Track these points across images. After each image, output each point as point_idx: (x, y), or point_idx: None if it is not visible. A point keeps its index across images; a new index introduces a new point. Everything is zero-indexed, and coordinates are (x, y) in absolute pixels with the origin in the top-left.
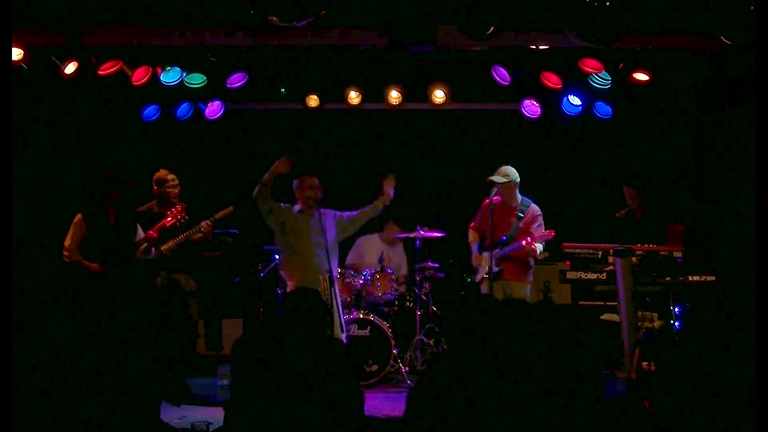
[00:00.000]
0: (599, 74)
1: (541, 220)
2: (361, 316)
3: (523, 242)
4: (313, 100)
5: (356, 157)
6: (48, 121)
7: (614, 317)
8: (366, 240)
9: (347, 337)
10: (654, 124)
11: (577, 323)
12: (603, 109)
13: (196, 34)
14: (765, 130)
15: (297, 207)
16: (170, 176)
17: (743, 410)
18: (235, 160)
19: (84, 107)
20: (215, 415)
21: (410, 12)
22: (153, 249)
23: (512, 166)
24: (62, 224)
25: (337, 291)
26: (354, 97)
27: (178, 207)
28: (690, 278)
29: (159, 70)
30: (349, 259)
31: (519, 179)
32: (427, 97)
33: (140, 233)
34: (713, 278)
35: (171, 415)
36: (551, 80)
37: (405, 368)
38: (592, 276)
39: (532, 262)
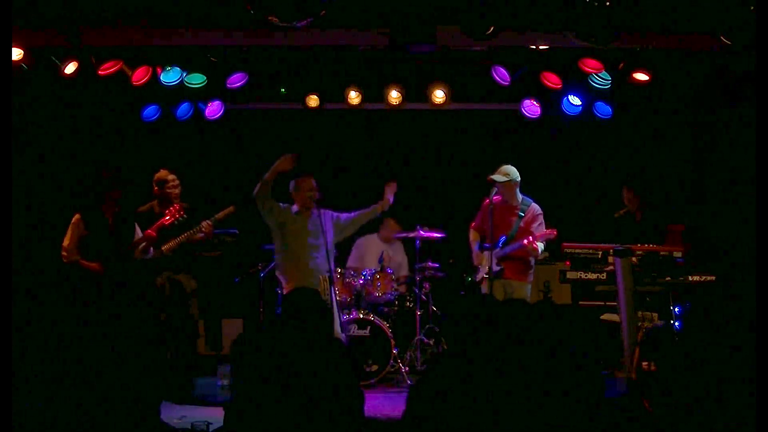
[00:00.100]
0: (599, 74)
1: (541, 219)
2: (361, 316)
3: (525, 241)
4: (313, 100)
5: (356, 157)
6: (48, 121)
7: (614, 317)
8: (365, 241)
9: (347, 337)
10: (654, 124)
11: (577, 323)
12: (603, 109)
13: (196, 34)
14: (765, 130)
15: (294, 208)
16: (171, 176)
17: (743, 410)
18: (235, 160)
19: (84, 107)
20: (215, 415)
21: (410, 12)
22: (151, 248)
23: (512, 165)
24: (62, 224)
25: (334, 292)
26: (354, 97)
27: (176, 206)
28: (690, 278)
29: (159, 70)
30: (351, 261)
31: (519, 178)
32: (427, 97)
33: (138, 233)
34: (713, 278)
35: (171, 415)
36: (551, 80)
37: (405, 368)
38: (592, 276)
39: (533, 261)
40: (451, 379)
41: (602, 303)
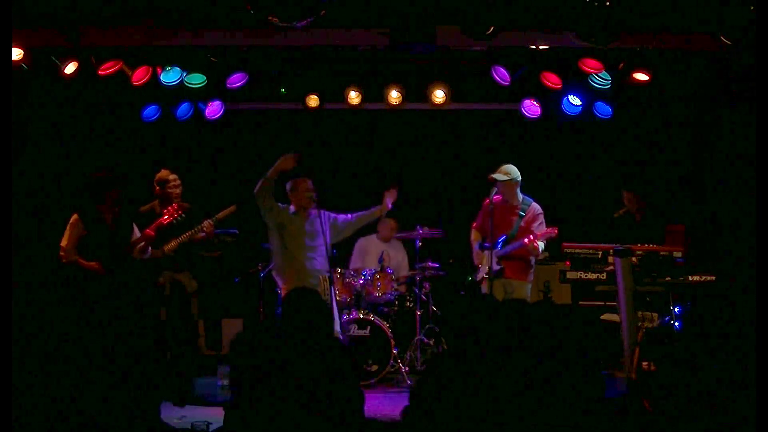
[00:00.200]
0: (599, 74)
1: (542, 218)
2: (361, 316)
3: (526, 240)
4: (313, 100)
5: (356, 157)
6: (48, 121)
7: (614, 317)
8: (366, 241)
9: (346, 337)
10: (654, 124)
11: (577, 323)
12: (603, 109)
13: (196, 34)
14: (765, 130)
15: (292, 208)
16: (172, 176)
17: (743, 410)
18: (235, 160)
19: (84, 107)
20: (215, 415)
21: (410, 12)
22: (150, 248)
23: (513, 165)
24: (62, 224)
25: (334, 292)
26: (354, 97)
27: (175, 205)
28: (690, 278)
29: (159, 70)
30: (353, 264)
31: (520, 178)
32: (427, 97)
33: (137, 232)
34: (713, 278)
35: (171, 415)
36: (551, 80)
37: (405, 368)
38: (592, 276)
39: (533, 261)
40: (451, 379)
41: (602, 303)
